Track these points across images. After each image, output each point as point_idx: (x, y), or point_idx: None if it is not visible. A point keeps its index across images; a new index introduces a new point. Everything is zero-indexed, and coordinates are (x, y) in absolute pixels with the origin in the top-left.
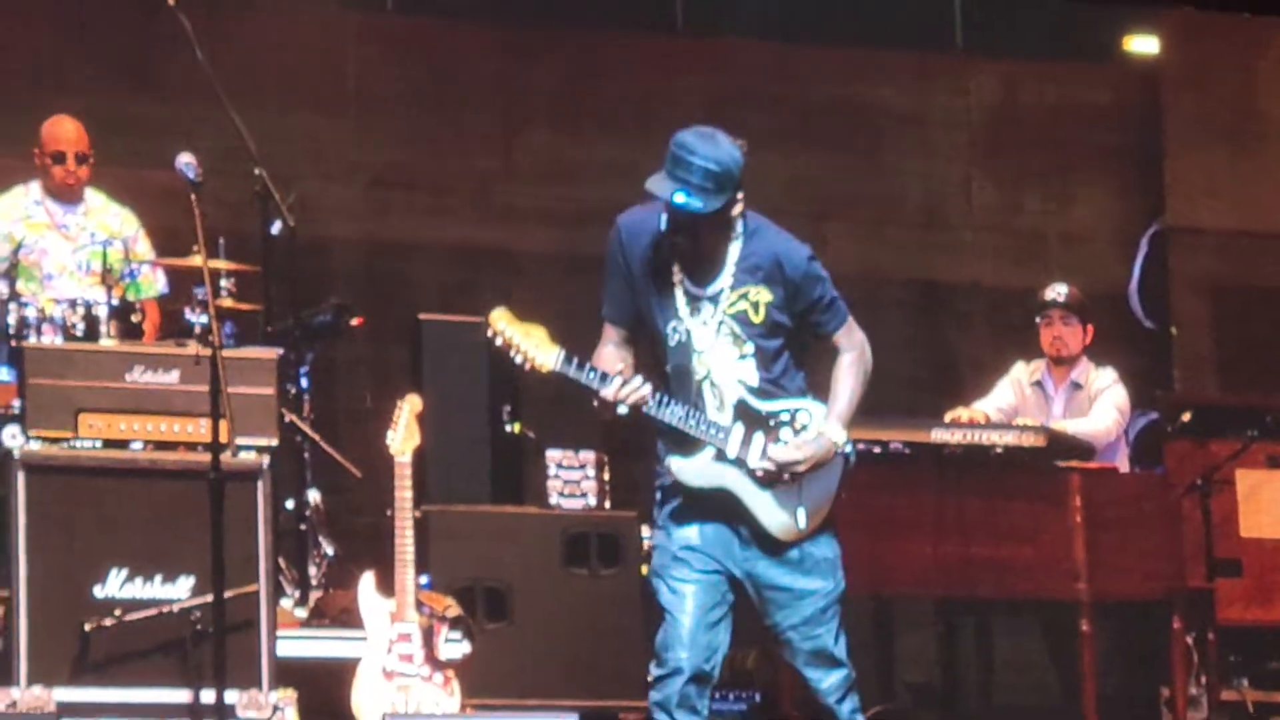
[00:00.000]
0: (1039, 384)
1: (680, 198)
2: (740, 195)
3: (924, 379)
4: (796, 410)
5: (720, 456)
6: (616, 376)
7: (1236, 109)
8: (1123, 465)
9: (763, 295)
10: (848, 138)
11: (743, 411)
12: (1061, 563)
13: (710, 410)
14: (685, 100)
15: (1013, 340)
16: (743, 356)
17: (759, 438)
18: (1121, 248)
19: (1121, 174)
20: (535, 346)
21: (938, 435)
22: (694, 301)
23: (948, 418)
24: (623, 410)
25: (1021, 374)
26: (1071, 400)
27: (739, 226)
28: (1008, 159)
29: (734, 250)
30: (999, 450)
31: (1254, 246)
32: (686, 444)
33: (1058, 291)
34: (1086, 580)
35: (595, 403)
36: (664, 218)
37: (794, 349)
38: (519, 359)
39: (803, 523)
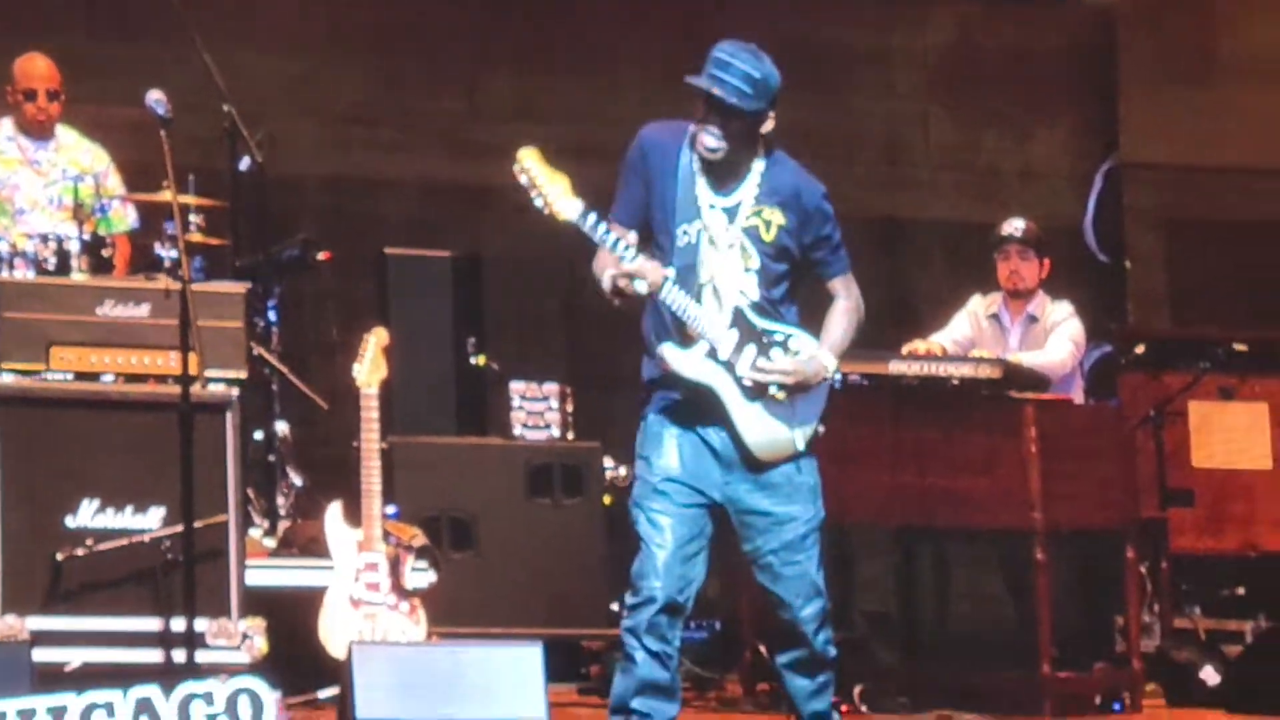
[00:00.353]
0: (995, 317)
1: (717, 90)
2: (772, 114)
3: (882, 312)
4: (790, 335)
5: (712, 355)
6: (640, 254)
7: (1192, 47)
8: (1077, 397)
9: (776, 217)
10: (810, 78)
11: (740, 321)
12: (1017, 493)
13: (710, 312)
14: (652, 41)
15: (970, 275)
16: (748, 270)
17: (751, 349)
18: (1077, 184)
19: (1078, 111)
20: (559, 193)
21: (895, 367)
22: (710, 209)
23: (905, 350)
24: (640, 287)
25: (978, 307)
26: (1028, 333)
27: (765, 149)
28: (966, 98)
29: (757, 169)
30: (955, 382)
31: (1207, 181)
32: (681, 337)
33: (1015, 226)
34: (1041, 510)
35: (615, 282)
36: (689, 131)
37: (793, 284)
38: (539, 201)
39: (801, 443)
